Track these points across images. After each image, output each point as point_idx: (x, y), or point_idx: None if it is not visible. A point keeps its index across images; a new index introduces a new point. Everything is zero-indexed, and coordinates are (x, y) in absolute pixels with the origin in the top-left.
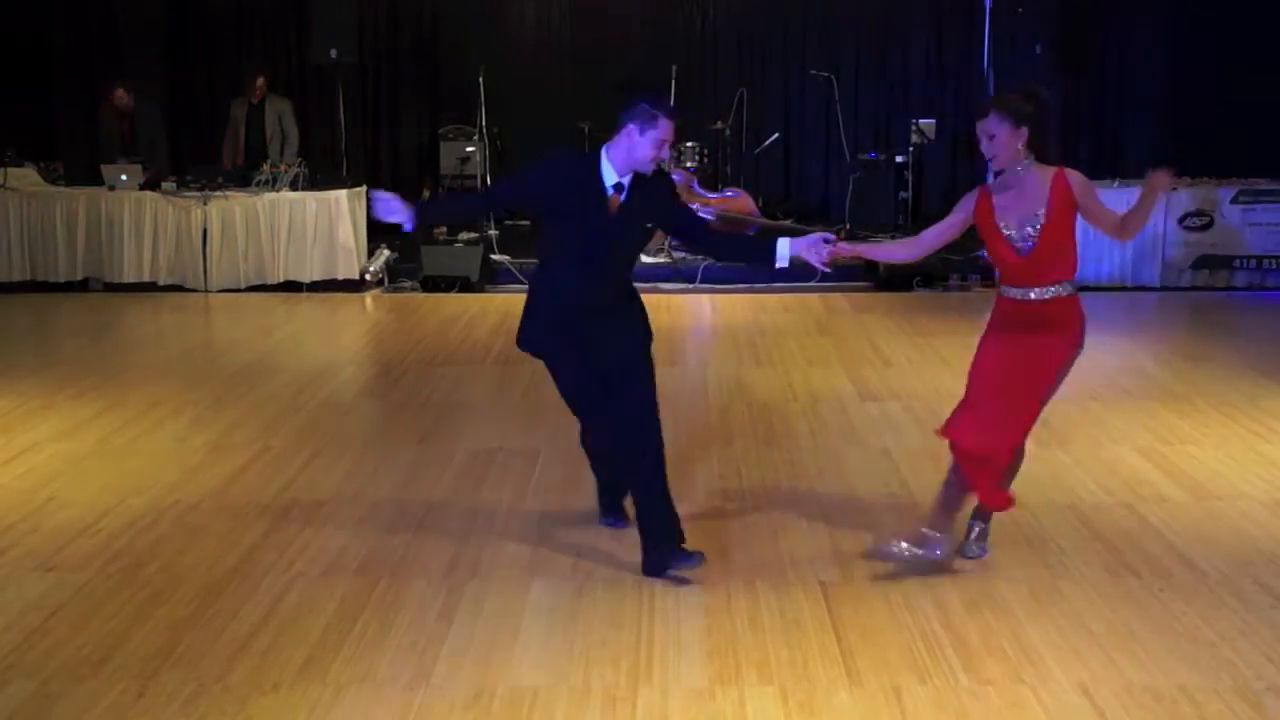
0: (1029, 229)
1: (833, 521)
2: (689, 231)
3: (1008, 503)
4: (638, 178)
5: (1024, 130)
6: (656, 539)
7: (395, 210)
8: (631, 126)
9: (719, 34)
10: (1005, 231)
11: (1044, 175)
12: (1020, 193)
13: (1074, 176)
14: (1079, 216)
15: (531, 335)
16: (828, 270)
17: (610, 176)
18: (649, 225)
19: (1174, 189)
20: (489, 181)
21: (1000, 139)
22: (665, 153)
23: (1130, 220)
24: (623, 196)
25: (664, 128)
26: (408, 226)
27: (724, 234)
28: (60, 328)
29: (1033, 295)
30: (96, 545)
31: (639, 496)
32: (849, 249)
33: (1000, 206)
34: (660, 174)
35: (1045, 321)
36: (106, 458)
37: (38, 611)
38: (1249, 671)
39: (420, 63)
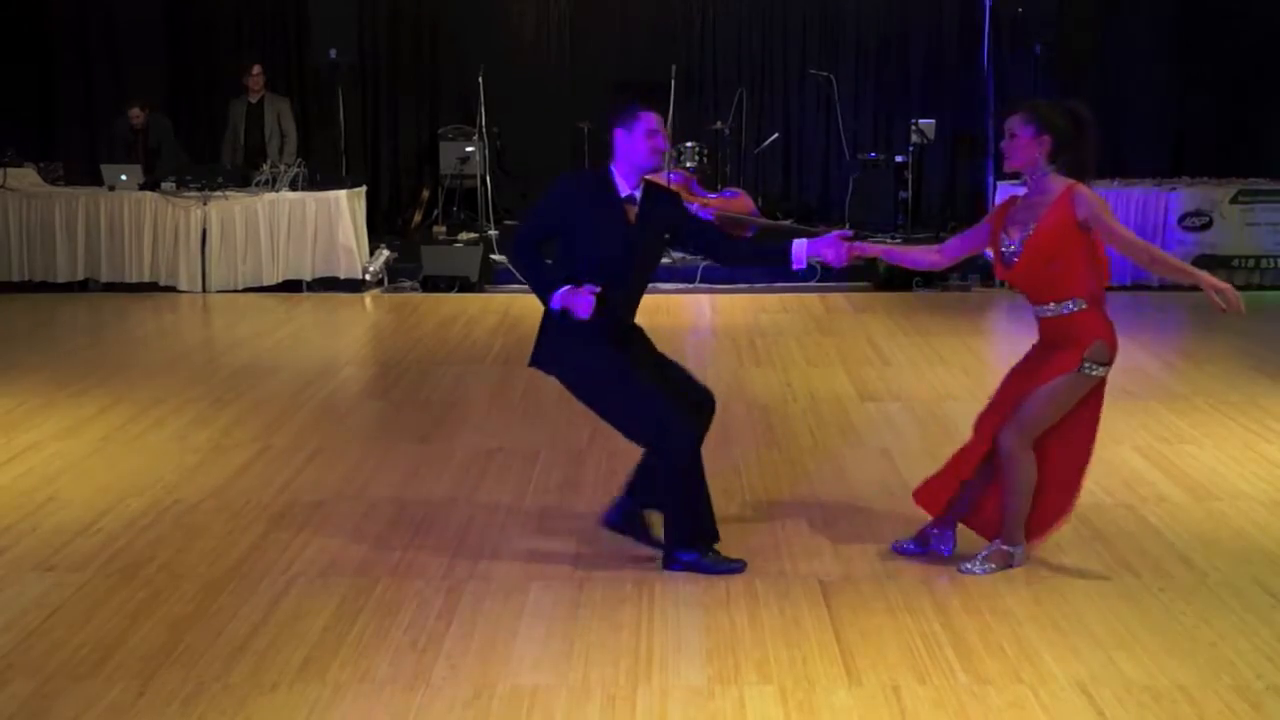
0: (1020, 240)
1: (832, 521)
2: (703, 241)
3: (929, 506)
4: (648, 189)
5: (1046, 139)
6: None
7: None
8: (618, 131)
9: (719, 34)
10: (1003, 240)
11: (1056, 189)
12: (1029, 203)
13: (1080, 194)
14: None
15: (557, 354)
16: (831, 268)
17: (623, 188)
18: (666, 235)
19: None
20: (489, 182)
21: (1019, 140)
22: (662, 141)
23: (1166, 268)
24: (637, 207)
25: (646, 118)
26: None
27: (738, 241)
28: (60, 328)
29: (1035, 311)
30: (96, 545)
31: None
32: (870, 249)
33: (1010, 217)
34: (669, 190)
35: (1048, 340)
36: (106, 457)
37: (38, 611)
38: (1249, 671)
39: (420, 63)
